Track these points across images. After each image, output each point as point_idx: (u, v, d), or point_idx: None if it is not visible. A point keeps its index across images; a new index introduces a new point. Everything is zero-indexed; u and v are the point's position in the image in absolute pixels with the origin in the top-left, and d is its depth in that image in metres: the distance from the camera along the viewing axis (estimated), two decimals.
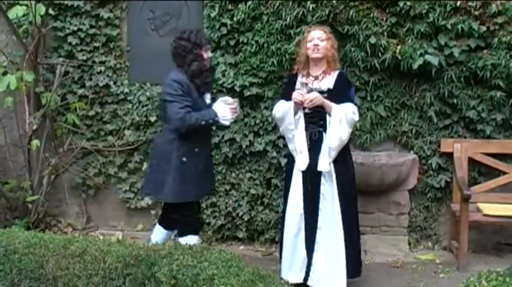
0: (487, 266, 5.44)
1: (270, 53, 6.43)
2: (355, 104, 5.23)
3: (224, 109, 5.07)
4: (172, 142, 5.07)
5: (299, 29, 6.33)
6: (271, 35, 6.44)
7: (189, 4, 6.88)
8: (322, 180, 5.10)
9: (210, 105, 5.17)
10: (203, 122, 4.99)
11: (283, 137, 6.40)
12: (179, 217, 5.23)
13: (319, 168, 5.05)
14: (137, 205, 7.01)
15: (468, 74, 6.26)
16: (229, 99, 5.21)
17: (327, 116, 5.06)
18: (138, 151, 6.95)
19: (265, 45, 6.44)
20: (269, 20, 6.45)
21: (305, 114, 5.12)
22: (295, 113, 5.11)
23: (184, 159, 5.04)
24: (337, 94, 5.10)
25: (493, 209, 5.93)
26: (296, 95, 5.01)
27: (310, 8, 6.28)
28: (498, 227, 6.33)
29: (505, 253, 6.36)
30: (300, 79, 5.24)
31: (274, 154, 6.54)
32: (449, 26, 6.17)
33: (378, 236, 6.35)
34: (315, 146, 5.12)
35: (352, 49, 6.32)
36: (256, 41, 6.44)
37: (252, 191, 6.51)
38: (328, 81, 5.17)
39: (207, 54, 5.19)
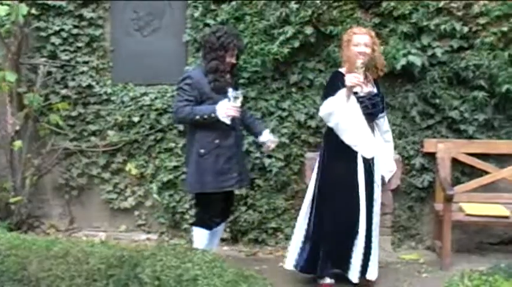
0: (469, 266, 5.47)
1: (254, 54, 6.43)
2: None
3: (224, 107, 5.05)
4: (194, 135, 5.22)
5: (282, 29, 6.33)
6: (254, 35, 6.44)
7: (173, 4, 6.86)
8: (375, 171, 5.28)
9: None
10: (197, 117, 5.03)
11: None
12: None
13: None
14: (120, 205, 6.99)
15: (451, 74, 6.29)
16: (238, 93, 5.17)
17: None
18: (121, 151, 6.93)
19: (249, 45, 6.43)
20: (252, 21, 6.46)
21: (367, 114, 5.17)
22: (348, 99, 5.04)
23: (202, 151, 5.14)
24: (381, 99, 5.35)
25: (476, 209, 5.96)
26: (352, 79, 4.90)
27: (294, 9, 6.29)
28: (481, 226, 6.36)
29: (487, 252, 6.39)
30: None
31: (258, 154, 6.53)
32: (432, 27, 6.19)
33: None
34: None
35: (335, 49, 6.32)
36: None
37: (236, 192, 6.50)
38: (372, 85, 5.29)
39: (231, 59, 5.23)
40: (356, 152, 5.15)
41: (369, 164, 5.19)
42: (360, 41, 5.14)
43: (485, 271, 3.98)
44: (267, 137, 5.53)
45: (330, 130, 5.24)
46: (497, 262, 4.95)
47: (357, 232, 5.16)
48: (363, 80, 5.01)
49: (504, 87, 6.12)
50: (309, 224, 5.40)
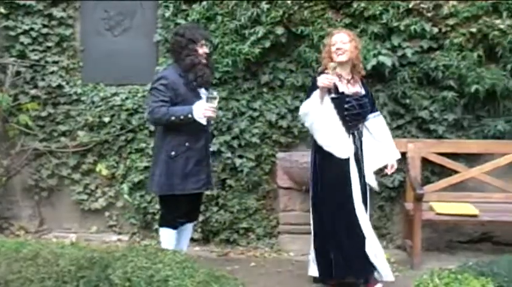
0: (440, 264, 5.51)
1: (225, 54, 6.43)
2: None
3: (201, 107, 5.02)
4: (165, 136, 5.17)
5: (253, 30, 6.34)
6: (225, 35, 6.44)
7: (144, 4, 6.84)
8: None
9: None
10: (173, 118, 4.99)
11: (237, 138, 6.43)
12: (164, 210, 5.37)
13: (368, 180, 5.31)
14: (91, 206, 6.94)
15: (421, 74, 6.35)
16: (214, 93, 5.16)
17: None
18: (91, 152, 6.88)
19: (220, 45, 6.44)
20: (223, 21, 6.45)
21: (354, 115, 5.11)
22: (322, 101, 5.00)
23: (172, 153, 5.11)
24: (369, 98, 5.30)
25: (446, 208, 6.00)
26: (324, 79, 4.87)
27: (265, 9, 6.29)
28: (450, 225, 6.42)
29: (457, 250, 6.45)
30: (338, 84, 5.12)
31: (229, 154, 6.53)
32: (402, 27, 6.24)
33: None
34: (361, 148, 5.23)
35: (306, 50, 6.35)
36: (211, 41, 6.40)
37: (207, 192, 6.48)
38: (359, 87, 5.24)
39: (203, 50, 5.20)
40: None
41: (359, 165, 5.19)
42: (336, 40, 5.12)
43: (455, 269, 4.01)
44: None
45: None
46: (466, 260, 5.01)
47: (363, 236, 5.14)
48: (335, 81, 4.97)
49: (473, 88, 6.18)
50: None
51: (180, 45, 5.14)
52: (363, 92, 5.22)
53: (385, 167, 5.38)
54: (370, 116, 5.31)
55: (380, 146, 5.32)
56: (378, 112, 5.46)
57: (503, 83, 6.21)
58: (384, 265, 5.24)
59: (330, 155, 5.11)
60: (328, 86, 4.90)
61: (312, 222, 5.33)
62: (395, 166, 5.36)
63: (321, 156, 5.16)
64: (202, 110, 4.99)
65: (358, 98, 5.14)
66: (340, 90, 5.07)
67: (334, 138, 5.09)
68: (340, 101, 5.04)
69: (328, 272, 5.19)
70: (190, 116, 4.97)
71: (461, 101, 6.37)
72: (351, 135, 5.12)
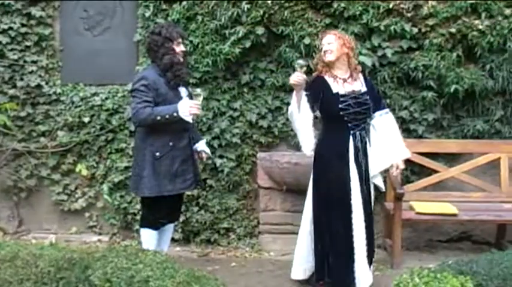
0: (419, 263, 5.54)
1: (205, 53, 6.43)
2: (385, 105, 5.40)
3: (186, 105, 5.00)
4: (147, 137, 5.13)
5: (234, 30, 6.34)
6: (205, 35, 6.43)
7: (123, 4, 6.82)
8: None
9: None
10: (158, 117, 4.95)
11: (217, 138, 6.44)
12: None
13: (374, 172, 5.19)
14: (71, 207, 6.91)
15: (401, 74, 6.38)
16: (198, 90, 5.18)
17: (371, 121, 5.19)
18: (71, 152, 6.85)
19: (200, 45, 6.43)
20: (204, 20, 6.45)
21: (352, 113, 5.02)
22: (298, 99, 5.02)
23: (157, 154, 5.08)
24: (372, 95, 5.17)
25: (426, 207, 6.03)
26: (293, 77, 4.88)
27: (245, 9, 6.29)
28: (430, 224, 6.46)
29: (437, 249, 6.49)
30: (332, 84, 5.08)
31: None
32: (382, 28, 6.27)
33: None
34: (365, 148, 5.12)
35: (287, 50, 6.36)
36: (191, 41, 6.42)
37: (188, 192, 6.47)
38: (360, 84, 5.15)
39: (180, 48, 5.18)
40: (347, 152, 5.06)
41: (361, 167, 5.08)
42: (324, 42, 5.09)
43: (435, 268, 4.03)
44: (203, 147, 5.54)
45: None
46: (446, 259, 5.04)
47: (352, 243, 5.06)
48: (304, 79, 4.91)
49: (452, 88, 6.22)
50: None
51: (156, 44, 5.12)
52: (363, 89, 5.13)
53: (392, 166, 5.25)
54: (377, 114, 5.20)
55: (387, 145, 5.18)
56: (386, 110, 5.30)
57: (482, 83, 6.25)
58: (364, 275, 5.12)
59: (329, 156, 5.10)
60: (297, 83, 4.89)
61: (302, 222, 5.32)
62: (401, 166, 5.20)
63: (321, 156, 5.16)
64: (188, 107, 4.98)
65: (356, 96, 5.04)
66: (335, 90, 5.02)
67: (305, 133, 5.10)
68: (334, 101, 5.00)
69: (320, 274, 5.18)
70: (175, 114, 4.95)
71: (441, 101, 6.40)
72: (351, 137, 5.03)
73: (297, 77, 4.87)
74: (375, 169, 5.17)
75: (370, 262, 5.20)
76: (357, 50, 5.34)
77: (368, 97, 5.10)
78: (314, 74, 5.23)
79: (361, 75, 5.21)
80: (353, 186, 5.02)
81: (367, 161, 5.11)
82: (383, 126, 5.20)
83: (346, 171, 5.03)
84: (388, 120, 5.25)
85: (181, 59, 5.19)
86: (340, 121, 5.02)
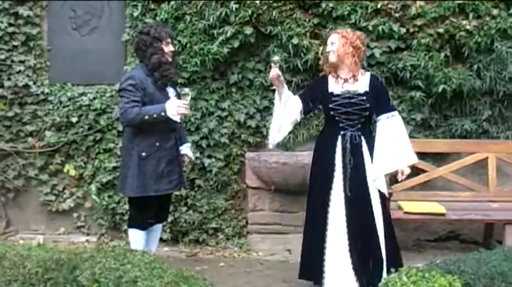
0: (408, 263, 5.52)
1: (193, 53, 6.42)
2: (394, 107, 5.20)
3: (174, 105, 4.98)
4: (134, 137, 5.11)
5: (222, 29, 6.34)
6: (194, 35, 6.43)
7: (111, 3, 6.80)
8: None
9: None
10: (146, 117, 4.92)
11: (206, 138, 6.44)
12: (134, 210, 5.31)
13: (373, 178, 4.97)
14: (59, 207, 6.89)
15: (389, 74, 6.40)
16: (186, 90, 5.17)
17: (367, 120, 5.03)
18: (59, 152, 6.83)
19: (188, 45, 6.43)
20: (192, 20, 6.44)
21: (343, 113, 4.96)
22: (278, 94, 5.07)
23: (143, 154, 5.06)
24: (376, 97, 4.98)
25: (414, 207, 6.03)
26: (272, 72, 4.90)
27: (233, 9, 6.29)
28: (419, 224, 6.48)
29: (425, 249, 6.51)
30: (331, 83, 5.07)
31: (198, 154, 6.51)
32: (370, 28, 6.28)
33: (301, 235, 6.37)
34: (357, 150, 4.98)
35: (275, 50, 6.36)
36: (179, 41, 6.41)
37: (176, 192, 6.46)
38: (362, 85, 5.00)
39: (169, 48, 5.16)
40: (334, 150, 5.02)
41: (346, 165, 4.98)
42: (328, 42, 5.05)
43: (423, 268, 4.04)
44: (186, 151, 5.53)
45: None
46: (434, 258, 5.05)
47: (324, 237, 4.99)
48: (278, 75, 4.92)
49: (440, 88, 6.24)
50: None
51: (145, 44, 5.10)
52: (361, 90, 4.98)
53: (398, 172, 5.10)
54: (383, 116, 5.00)
55: (391, 149, 4.96)
56: (393, 113, 5.04)
57: (469, 83, 6.28)
58: (338, 281, 4.98)
59: (318, 153, 5.13)
60: (273, 79, 4.93)
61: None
62: (407, 172, 5.01)
63: (314, 152, 5.19)
64: (175, 107, 4.96)
65: (350, 96, 4.96)
66: (330, 90, 5.01)
67: (274, 127, 5.18)
68: (327, 100, 5.00)
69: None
70: (163, 114, 4.93)
71: (429, 101, 6.43)
72: (340, 137, 4.98)
73: (271, 74, 4.92)
74: (376, 172, 4.97)
75: (365, 271, 4.94)
76: (365, 48, 5.19)
77: (365, 98, 4.95)
78: (321, 74, 5.24)
79: (367, 76, 5.08)
80: (334, 186, 4.97)
81: (359, 163, 4.97)
82: (388, 130, 4.99)
83: (329, 170, 5.00)
84: (395, 124, 5.02)
85: (170, 59, 5.17)
86: (333, 120, 5.02)
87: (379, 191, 5.00)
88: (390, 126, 5.00)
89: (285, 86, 5.09)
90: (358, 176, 4.97)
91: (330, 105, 4.97)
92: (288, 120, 5.12)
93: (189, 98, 5.08)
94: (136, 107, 4.93)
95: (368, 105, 4.94)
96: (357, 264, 4.92)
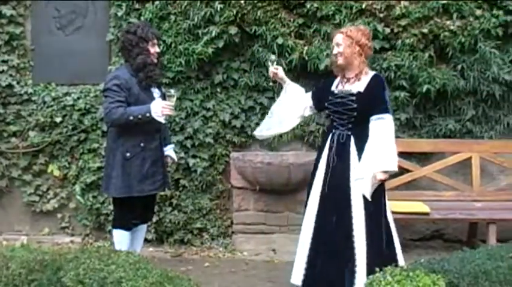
0: None
1: (178, 53, 6.41)
2: (387, 110, 4.92)
3: (159, 106, 4.95)
4: (118, 138, 5.09)
5: (207, 29, 6.33)
6: (178, 34, 6.41)
7: (96, 3, 6.78)
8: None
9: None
10: (131, 117, 4.90)
11: (191, 138, 6.43)
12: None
13: (356, 177, 4.86)
14: (43, 208, 6.85)
15: None
16: (171, 91, 5.16)
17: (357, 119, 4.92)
18: (43, 152, 6.79)
19: (173, 45, 6.42)
20: (177, 20, 6.43)
21: (334, 112, 4.97)
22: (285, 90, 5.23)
23: (128, 154, 5.05)
24: (368, 98, 4.87)
25: (398, 206, 6.04)
26: (269, 71, 5.14)
27: (218, 8, 6.28)
28: (403, 223, 6.47)
29: (410, 248, 6.52)
30: (336, 82, 5.07)
31: (182, 154, 6.51)
32: None
33: (286, 235, 6.41)
34: (342, 149, 4.93)
35: (260, 49, 6.37)
36: (164, 41, 6.39)
37: (161, 193, 6.45)
38: (361, 85, 4.93)
39: (154, 49, 5.15)
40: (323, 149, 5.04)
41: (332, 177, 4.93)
42: (333, 43, 4.99)
43: (407, 267, 4.05)
44: (169, 153, 5.53)
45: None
46: (418, 257, 5.07)
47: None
48: (276, 73, 5.11)
49: (424, 88, 6.27)
50: None
51: (131, 44, 5.08)
52: (355, 90, 4.91)
53: None
54: (373, 118, 4.88)
55: (372, 152, 4.85)
56: (383, 115, 4.85)
57: (453, 83, 6.31)
58: (298, 270, 4.97)
59: (317, 152, 5.16)
60: (273, 76, 5.13)
61: None
62: (379, 177, 4.76)
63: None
64: (160, 108, 4.94)
65: (343, 95, 4.93)
66: (332, 89, 5.02)
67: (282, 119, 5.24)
68: (326, 99, 5.02)
69: None
70: (148, 115, 4.91)
71: (413, 101, 6.45)
72: (330, 135, 4.99)
73: (271, 71, 5.09)
74: (358, 173, 4.88)
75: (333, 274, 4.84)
76: (370, 43, 5.03)
77: (354, 99, 4.88)
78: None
79: (369, 76, 4.97)
80: (315, 183, 5.01)
81: (344, 163, 4.91)
82: (374, 132, 4.88)
83: (315, 168, 5.05)
84: (381, 127, 4.87)
85: (155, 61, 5.16)
86: (329, 119, 5.12)
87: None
88: (376, 129, 4.88)
89: (288, 80, 5.22)
90: (339, 175, 4.90)
91: (326, 104, 5.02)
92: (294, 114, 5.18)
93: (174, 99, 5.07)
94: (121, 108, 4.91)
95: (355, 106, 4.87)
96: (324, 267, 4.83)
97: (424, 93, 6.32)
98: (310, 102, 5.18)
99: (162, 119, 4.98)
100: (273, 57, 5.16)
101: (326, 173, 4.94)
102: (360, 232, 4.80)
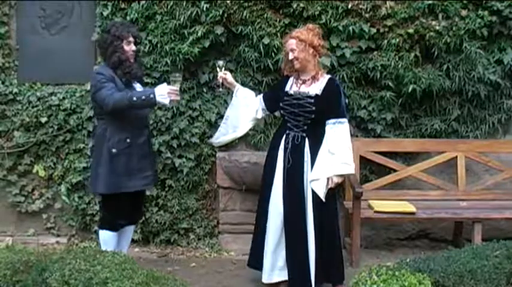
0: (378, 261, 5.60)
1: (164, 53, 6.40)
2: (344, 114, 5.08)
3: (164, 89, 4.92)
4: (104, 134, 5.07)
5: (193, 29, 6.32)
6: (164, 34, 6.40)
7: (81, 2, 6.74)
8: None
9: None
10: (135, 98, 4.85)
11: (177, 138, 6.42)
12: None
13: (312, 177, 5.03)
14: (28, 208, 6.80)
15: (359, 74, 6.43)
16: (177, 75, 5.19)
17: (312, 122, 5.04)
18: (28, 152, 6.74)
19: (159, 45, 6.40)
20: (163, 20, 6.41)
21: (290, 113, 5.06)
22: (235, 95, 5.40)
23: (114, 150, 5.03)
24: (326, 102, 4.99)
25: (384, 206, 6.09)
26: (218, 77, 5.35)
27: (204, 8, 6.27)
28: (389, 223, 6.52)
29: (395, 247, 6.56)
30: (290, 83, 5.18)
31: (168, 154, 6.49)
32: (341, 28, 6.31)
33: None
34: (297, 150, 5.05)
35: (246, 49, 6.37)
36: (150, 41, 6.39)
37: (147, 193, 6.44)
38: (317, 87, 5.04)
39: (130, 47, 5.13)
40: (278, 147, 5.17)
41: (286, 162, 5.08)
42: (287, 48, 5.09)
43: (393, 266, 4.07)
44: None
45: None
46: (404, 257, 5.09)
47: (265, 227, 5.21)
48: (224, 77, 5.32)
49: (410, 87, 6.29)
50: None
51: (105, 42, 5.10)
52: (312, 93, 5.02)
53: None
54: (329, 121, 5.01)
55: (328, 156, 5.00)
56: (340, 120, 5.02)
57: (439, 83, 6.34)
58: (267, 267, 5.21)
59: (268, 152, 5.29)
60: (223, 81, 5.34)
61: None
62: (335, 181, 5.00)
63: (268, 150, 5.36)
64: (165, 91, 4.89)
65: (300, 97, 5.05)
66: (286, 89, 5.14)
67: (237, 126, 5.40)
68: (280, 99, 5.14)
69: None
70: (152, 96, 4.87)
71: (399, 101, 6.47)
72: (284, 135, 5.11)
73: (219, 76, 5.30)
74: (312, 175, 5.02)
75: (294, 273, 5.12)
76: (323, 42, 5.18)
77: (313, 101, 4.99)
78: (285, 73, 5.32)
79: (326, 79, 5.10)
80: (275, 183, 5.12)
81: (299, 164, 5.05)
82: (330, 136, 5.02)
83: (272, 167, 5.15)
84: (337, 132, 5.01)
85: (132, 59, 5.15)
86: (283, 119, 5.20)
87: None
88: (333, 133, 5.03)
89: (238, 85, 5.43)
90: (295, 177, 5.07)
91: (281, 105, 5.12)
92: (246, 118, 5.33)
93: (178, 84, 5.08)
94: (120, 92, 4.94)
95: (313, 108, 5.00)
96: (289, 263, 5.13)
97: (410, 93, 6.33)
98: (262, 104, 5.35)
99: (166, 102, 4.92)
100: (220, 62, 5.31)
101: (283, 174, 5.09)
102: (311, 236, 5.04)
